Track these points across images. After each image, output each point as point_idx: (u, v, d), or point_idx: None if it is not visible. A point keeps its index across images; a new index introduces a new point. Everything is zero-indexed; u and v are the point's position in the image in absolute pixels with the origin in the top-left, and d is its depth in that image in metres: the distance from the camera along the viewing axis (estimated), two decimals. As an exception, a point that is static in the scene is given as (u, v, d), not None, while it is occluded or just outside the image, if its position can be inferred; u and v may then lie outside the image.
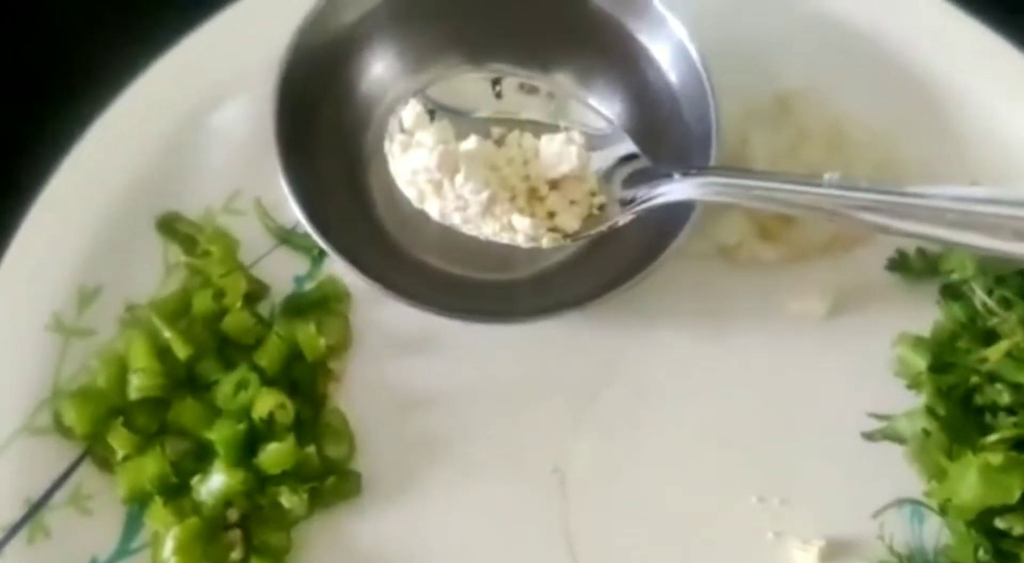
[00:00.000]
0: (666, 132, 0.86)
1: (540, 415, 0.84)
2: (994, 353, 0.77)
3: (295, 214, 0.82)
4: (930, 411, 0.79)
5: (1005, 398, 0.77)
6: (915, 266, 0.88)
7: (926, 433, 0.78)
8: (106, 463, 0.80)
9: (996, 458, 0.73)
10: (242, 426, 0.79)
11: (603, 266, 0.84)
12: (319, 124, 0.85)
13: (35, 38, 0.96)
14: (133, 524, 0.80)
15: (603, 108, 0.87)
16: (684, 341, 0.87)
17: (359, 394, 0.84)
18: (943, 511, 0.78)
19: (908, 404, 0.82)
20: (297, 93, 0.83)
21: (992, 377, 0.78)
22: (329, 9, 0.84)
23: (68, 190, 0.85)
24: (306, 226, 0.80)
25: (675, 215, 0.82)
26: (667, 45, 0.86)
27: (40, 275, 0.83)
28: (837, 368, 0.86)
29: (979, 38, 0.91)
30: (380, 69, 0.88)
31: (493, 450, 0.83)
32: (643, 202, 0.79)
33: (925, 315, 0.85)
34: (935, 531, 0.81)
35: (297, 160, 0.82)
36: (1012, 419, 0.77)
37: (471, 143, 0.80)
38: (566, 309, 0.81)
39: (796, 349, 0.87)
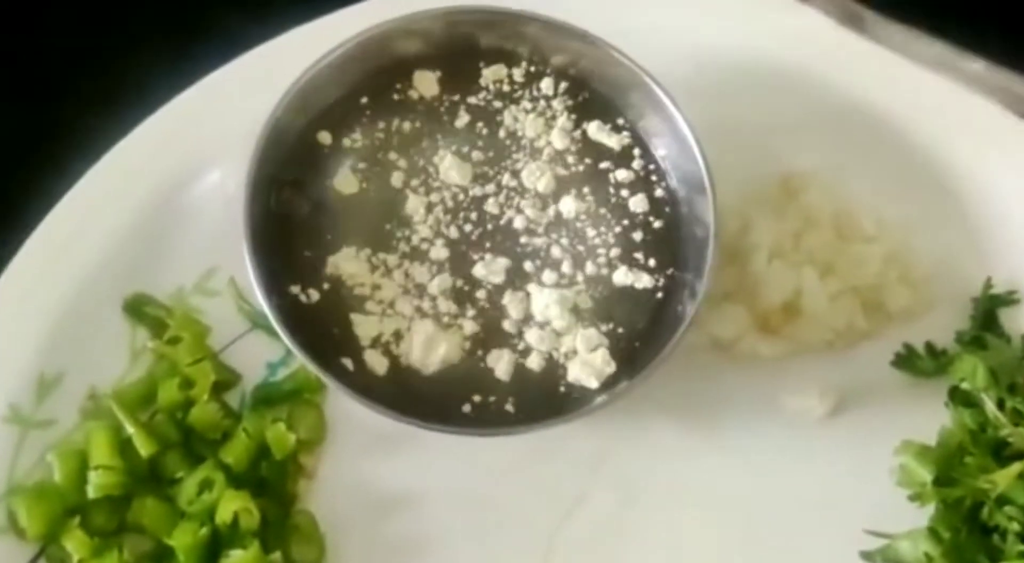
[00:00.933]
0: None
1: (521, 519, 0.80)
2: (1003, 477, 0.72)
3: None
4: (934, 534, 0.74)
5: (1015, 525, 0.72)
6: (922, 365, 0.83)
7: (928, 559, 0.73)
8: (62, 564, 0.76)
9: (1003, 596, 0.69)
10: (204, 530, 0.75)
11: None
12: (296, 208, 0.81)
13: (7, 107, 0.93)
14: (88, 631, 0.76)
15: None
16: (675, 442, 0.82)
17: (331, 492, 0.80)
18: (939, 647, 0.73)
19: (911, 515, 0.78)
20: (272, 176, 0.79)
21: (1001, 500, 0.73)
22: (308, 89, 0.79)
23: (31, 270, 0.82)
24: (272, 321, 0.76)
25: (673, 311, 0.78)
26: (667, 130, 0.81)
27: (-1, 362, 0.79)
28: (837, 472, 0.82)
29: (993, 119, 0.87)
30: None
31: (471, 556, 0.79)
32: None
33: (932, 416, 0.81)
34: (936, 654, 0.77)
35: (269, 246, 0.78)
36: (1022, 547, 0.72)
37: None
38: (551, 421, 0.76)
39: (794, 451, 0.83)
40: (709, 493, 0.81)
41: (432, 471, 0.81)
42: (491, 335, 0.78)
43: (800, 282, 0.83)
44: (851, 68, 0.88)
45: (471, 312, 0.78)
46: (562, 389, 0.78)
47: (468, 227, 0.80)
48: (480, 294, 0.79)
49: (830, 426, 0.83)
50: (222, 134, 0.85)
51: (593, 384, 0.77)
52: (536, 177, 0.81)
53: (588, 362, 0.77)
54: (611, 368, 0.77)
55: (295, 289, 0.78)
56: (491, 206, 0.80)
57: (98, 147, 0.84)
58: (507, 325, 0.78)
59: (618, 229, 0.81)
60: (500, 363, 0.78)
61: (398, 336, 0.78)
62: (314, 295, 0.78)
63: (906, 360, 0.84)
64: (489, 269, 0.79)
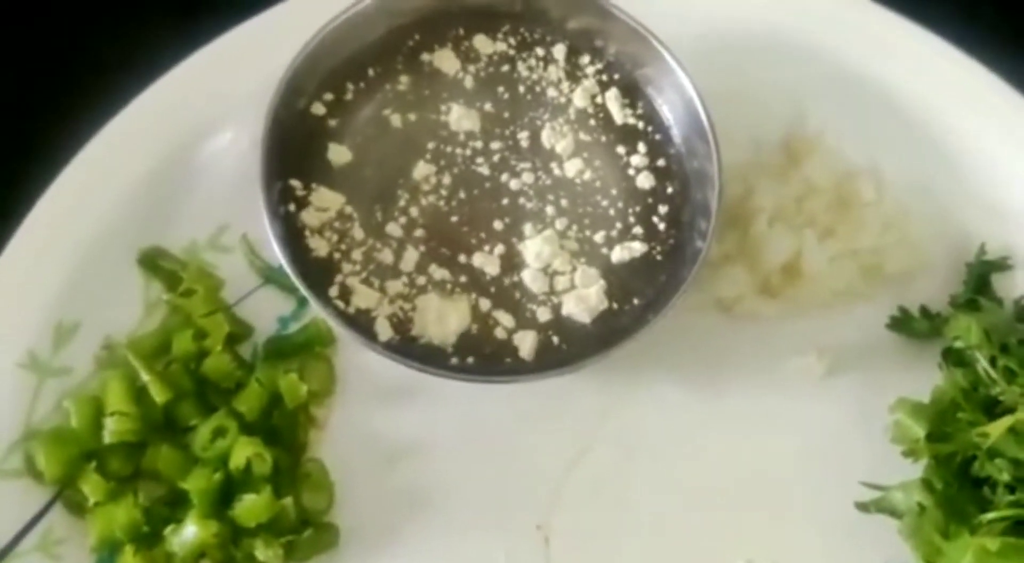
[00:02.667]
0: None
1: (526, 470, 0.82)
2: (995, 429, 0.74)
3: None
4: (927, 485, 0.76)
5: (1005, 475, 0.74)
6: (917, 326, 0.85)
7: (921, 508, 0.75)
8: (77, 508, 0.78)
9: (993, 543, 0.71)
10: (218, 476, 0.76)
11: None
12: (312, 160, 0.82)
13: (20, 69, 0.94)
14: (103, 571, 0.78)
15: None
16: (677, 397, 0.84)
17: (341, 442, 0.82)
18: (936, 589, 0.75)
19: (904, 470, 0.80)
20: (288, 130, 0.80)
21: (992, 452, 0.75)
22: (323, 45, 0.81)
23: (48, 222, 0.83)
24: (288, 271, 0.77)
25: (678, 269, 0.80)
26: (675, 93, 0.83)
27: (16, 310, 0.81)
28: (833, 429, 0.84)
29: (997, 91, 0.89)
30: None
31: (477, 505, 0.81)
32: None
33: (926, 377, 0.83)
34: (926, 606, 0.79)
35: (285, 200, 0.80)
36: (1012, 497, 0.74)
37: None
38: (561, 369, 0.78)
39: (792, 408, 0.85)
40: (709, 448, 0.83)
41: (439, 423, 0.83)
42: (498, 296, 0.80)
43: (800, 244, 0.85)
44: (854, 35, 0.90)
45: (474, 275, 0.80)
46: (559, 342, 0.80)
47: (472, 188, 0.82)
48: (481, 258, 0.81)
49: (827, 385, 0.85)
50: (235, 94, 0.86)
51: (585, 319, 0.79)
52: (551, 136, 0.83)
53: (583, 297, 0.79)
54: (604, 305, 0.79)
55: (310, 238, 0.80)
56: (496, 162, 0.82)
57: (112, 106, 0.85)
58: (509, 282, 0.80)
59: (623, 191, 0.82)
60: (506, 318, 0.79)
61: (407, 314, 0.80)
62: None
63: (901, 322, 0.86)
64: (487, 234, 0.81)
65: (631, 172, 0.83)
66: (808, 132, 0.90)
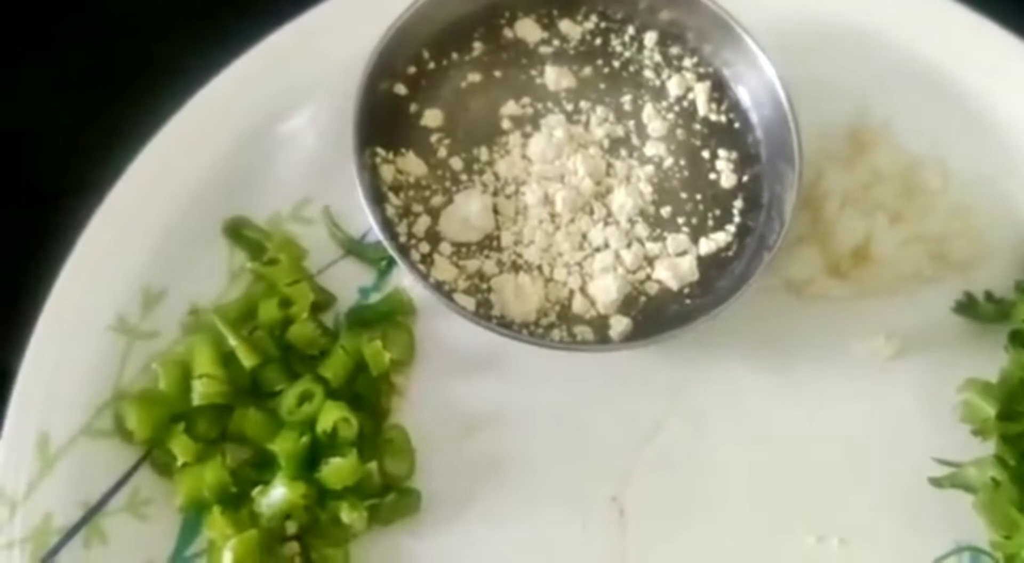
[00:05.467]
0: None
1: (600, 443, 0.83)
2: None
3: (363, 225, 0.83)
4: (1000, 461, 0.78)
5: (1076, 455, 0.76)
6: (983, 310, 0.87)
7: (996, 483, 0.77)
8: (165, 469, 0.79)
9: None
10: (305, 439, 0.78)
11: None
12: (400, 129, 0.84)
13: (108, 41, 0.96)
14: (189, 531, 0.79)
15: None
16: (747, 375, 0.86)
17: (421, 410, 0.83)
18: (1009, 563, 0.77)
19: (971, 451, 0.81)
20: (376, 98, 0.83)
21: (1062, 432, 0.77)
22: (413, 19, 0.83)
23: (137, 191, 0.84)
24: (375, 227, 0.80)
25: (756, 253, 0.82)
26: (754, 78, 0.85)
27: (106, 275, 0.82)
28: (899, 410, 0.86)
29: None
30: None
31: (553, 475, 0.82)
32: None
33: (990, 360, 0.85)
34: (993, 582, 0.81)
35: (372, 167, 0.83)
36: (1082, 475, 0.76)
37: None
38: (639, 341, 0.80)
39: (859, 388, 0.86)
40: (779, 426, 0.85)
41: (515, 395, 0.84)
42: (580, 267, 0.82)
43: (871, 228, 0.87)
44: (921, 29, 0.92)
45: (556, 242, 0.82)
46: (643, 309, 0.82)
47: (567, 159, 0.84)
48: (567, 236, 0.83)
49: (894, 367, 0.87)
50: (317, 71, 0.88)
51: (674, 285, 0.81)
52: (651, 115, 0.85)
53: (676, 264, 0.81)
54: (695, 276, 0.81)
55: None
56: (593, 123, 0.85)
57: (198, 81, 0.87)
58: (592, 251, 0.82)
59: (707, 183, 0.85)
60: (591, 289, 0.81)
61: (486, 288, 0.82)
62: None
63: (967, 306, 0.88)
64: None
65: (718, 164, 0.85)
66: (875, 122, 0.92)
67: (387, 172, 0.83)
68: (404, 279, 0.85)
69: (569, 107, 0.85)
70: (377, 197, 0.82)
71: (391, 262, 0.85)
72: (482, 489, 0.82)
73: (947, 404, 0.83)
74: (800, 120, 0.85)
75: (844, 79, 0.92)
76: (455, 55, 0.86)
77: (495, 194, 0.83)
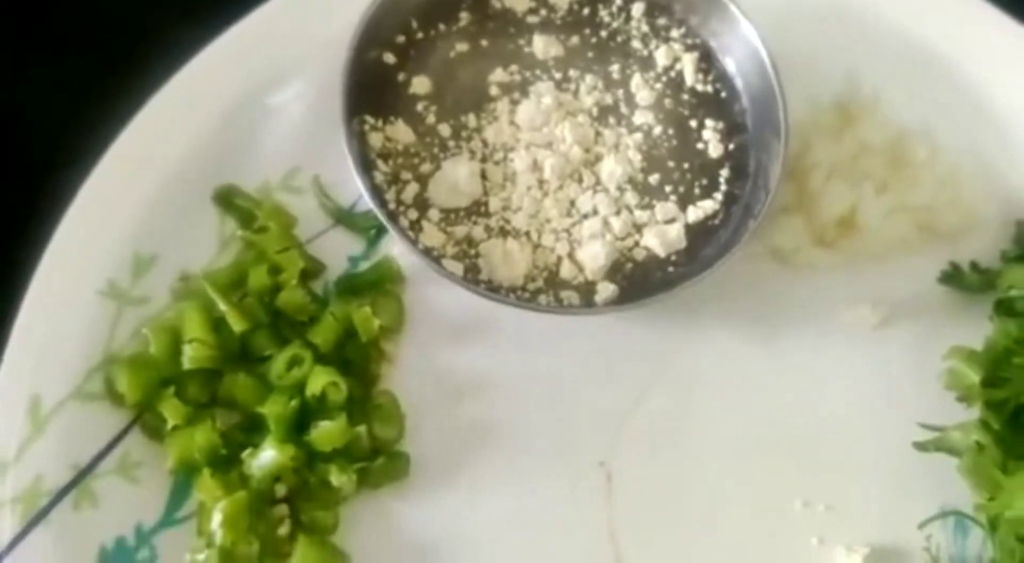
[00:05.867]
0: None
1: (588, 408, 0.84)
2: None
3: (352, 195, 0.84)
4: (984, 425, 0.78)
5: (1058, 417, 0.77)
6: (968, 280, 0.88)
7: (980, 446, 0.78)
8: (155, 432, 0.80)
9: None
10: (295, 403, 0.78)
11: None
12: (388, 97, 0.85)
13: (99, 13, 0.96)
14: (179, 494, 0.79)
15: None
16: (734, 342, 0.87)
17: (410, 376, 0.84)
18: (993, 525, 0.77)
19: (956, 417, 0.82)
20: (364, 66, 0.83)
21: (1045, 396, 0.78)
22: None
23: (128, 158, 0.85)
24: (364, 193, 0.81)
25: (742, 221, 0.83)
26: (740, 48, 0.86)
27: (97, 240, 0.83)
28: (885, 377, 0.87)
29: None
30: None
31: (541, 440, 0.83)
32: None
33: (975, 329, 0.85)
34: (978, 544, 0.81)
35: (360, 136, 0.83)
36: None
37: None
38: (625, 305, 0.81)
39: (845, 355, 0.87)
40: (766, 392, 0.86)
41: (503, 361, 0.85)
42: (567, 232, 0.83)
43: (857, 198, 0.88)
44: (912, 2, 0.93)
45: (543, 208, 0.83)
46: (629, 275, 0.82)
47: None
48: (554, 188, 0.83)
49: (880, 334, 0.88)
50: (307, 42, 0.89)
51: (661, 253, 0.81)
52: (639, 85, 0.86)
53: (663, 232, 0.82)
54: (683, 244, 0.82)
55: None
56: (581, 91, 0.85)
57: (189, 51, 0.87)
58: (580, 217, 0.83)
59: (694, 152, 0.86)
60: (578, 255, 0.82)
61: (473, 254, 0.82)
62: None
63: (952, 276, 0.88)
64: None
65: (705, 134, 0.86)
66: (863, 95, 0.93)
67: (376, 140, 0.84)
68: (393, 247, 0.86)
69: (558, 75, 0.86)
70: (366, 164, 0.82)
71: (380, 231, 0.86)
72: (471, 453, 0.82)
73: (932, 372, 0.84)
74: (788, 92, 0.85)
75: (833, 52, 0.93)
76: (443, 26, 0.87)
77: (483, 160, 0.84)
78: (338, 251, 0.87)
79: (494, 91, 0.85)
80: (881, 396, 0.86)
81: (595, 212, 0.83)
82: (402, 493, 0.81)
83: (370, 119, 0.84)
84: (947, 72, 0.93)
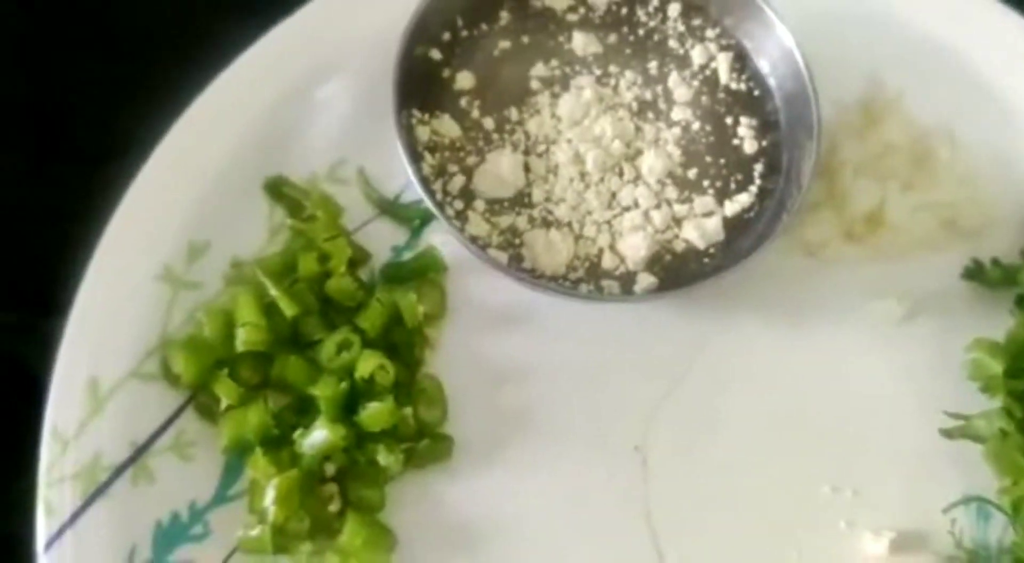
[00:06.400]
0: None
1: (624, 394, 0.87)
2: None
3: (396, 186, 0.88)
4: (1007, 413, 0.81)
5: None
6: (990, 276, 0.91)
7: (1003, 433, 0.80)
8: (209, 412, 0.82)
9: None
10: (344, 384, 0.81)
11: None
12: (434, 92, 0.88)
13: (153, 9, 0.99)
14: (231, 472, 0.82)
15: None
16: (766, 332, 0.89)
17: (452, 362, 0.87)
18: (1015, 510, 0.80)
19: (978, 407, 0.85)
20: (413, 61, 0.86)
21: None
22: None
23: (181, 148, 0.88)
24: (414, 182, 0.83)
25: (775, 216, 0.86)
26: (774, 50, 0.89)
27: (153, 227, 0.85)
28: (911, 367, 0.89)
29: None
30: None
31: (578, 425, 0.86)
32: None
33: (997, 323, 0.88)
34: (1000, 529, 0.84)
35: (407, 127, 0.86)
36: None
37: None
38: (662, 293, 0.84)
39: (872, 347, 0.90)
40: (795, 381, 0.88)
41: (542, 349, 0.87)
42: (608, 223, 0.86)
43: (883, 195, 0.91)
44: (935, 5, 0.96)
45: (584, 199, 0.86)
46: (667, 266, 0.85)
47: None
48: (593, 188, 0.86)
49: (905, 327, 0.90)
50: (355, 37, 0.92)
51: (701, 245, 0.84)
52: (677, 82, 0.89)
53: (701, 225, 0.85)
54: (720, 236, 0.85)
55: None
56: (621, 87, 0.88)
57: (240, 44, 0.90)
58: (621, 208, 0.86)
59: (730, 149, 0.89)
60: (619, 246, 0.85)
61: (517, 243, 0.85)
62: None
63: (975, 272, 0.91)
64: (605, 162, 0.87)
65: (740, 130, 0.89)
66: (887, 95, 0.96)
67: (423, 133, 0.87)
68: (435, 237, 0.89)
69: (597, 71, 0.89)
70: (414, 156, 0.85)
71: (423, 221, 0.89)
72: (511, 437, 0.85)
73: (955, 363, 0.87)
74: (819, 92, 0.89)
75: (858, 54, 0.96)
76: (485, 25, 0.90)
77: (526, 152, 0.86)
78: (383, 241, 0.90)
79: (535, 85, 0.88)
80: (906, 386, 0.89)
81: (636, 205, 0.85)
82: (445, 474, 0.83)
83: (417, 113, 0.87)
84: (967, 73, 0.96)
